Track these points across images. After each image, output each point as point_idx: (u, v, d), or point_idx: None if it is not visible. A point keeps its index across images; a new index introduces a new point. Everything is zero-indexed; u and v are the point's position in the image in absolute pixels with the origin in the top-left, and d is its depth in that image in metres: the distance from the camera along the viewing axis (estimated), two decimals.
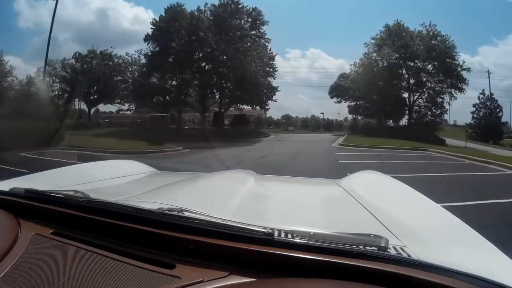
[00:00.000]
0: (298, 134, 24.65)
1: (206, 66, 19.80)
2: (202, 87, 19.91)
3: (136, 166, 1.66)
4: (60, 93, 21.16)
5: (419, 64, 20.60)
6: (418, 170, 7.30)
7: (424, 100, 21.54)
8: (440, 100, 21.08)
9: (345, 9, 40.42)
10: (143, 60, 20.43)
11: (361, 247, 0.51)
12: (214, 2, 19.54)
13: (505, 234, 2.77)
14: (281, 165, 7.82)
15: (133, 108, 23.16)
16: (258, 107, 22.40)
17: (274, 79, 21.99)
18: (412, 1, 35.79)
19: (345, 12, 43.12)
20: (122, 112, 24.00)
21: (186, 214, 0.61)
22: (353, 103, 25.07)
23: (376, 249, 0.51)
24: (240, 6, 19.87)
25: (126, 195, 0.91)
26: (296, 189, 1.45)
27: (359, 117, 26.83)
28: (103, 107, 24.74)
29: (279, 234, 0.55)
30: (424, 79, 21.06)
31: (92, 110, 24.92)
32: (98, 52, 21.76)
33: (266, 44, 21.76)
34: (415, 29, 20.67)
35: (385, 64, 20.70)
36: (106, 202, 0.68)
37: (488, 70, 22.21)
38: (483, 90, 21.96)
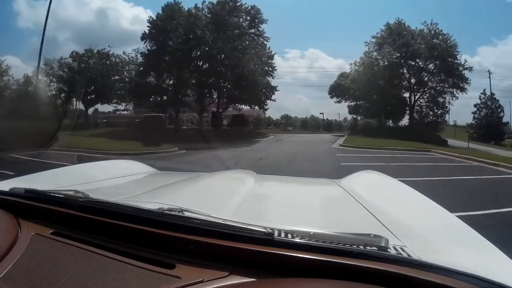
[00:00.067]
0: (297, 135, 24.63)
1: (204, 65, 19.78)
2: (199, 87, 19.87)
3: (136, 166, 1.67)
4: (56, 92, 21.16)
5: (420, 63, 20.61)
6: (425, 173, 7.18)
7: (426, 100, 21.57)
8: (442, 100, 21.14)
9: (345, 9, 40.77)
10: (140, 59, 20.45)
11: (361, 247, 0.51)
12: (212, 0, 19.60)
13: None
14: (280, 168, 7.71)
15: (130, 108, 23.13)
16: (256, 107, 22.40)
17: (273, 78, 22.04)
18: (412, 1, 36.16)
19: (345, 12, 43.47)
20: (119, 112, 23.97)
21: (186, 214, 0.62)
22: (353, 103, 25.09)
23: (376, 249, 0.51)
24: (238, 4, 19.86)
25: (126, 195, 0.91)
26: (296, 189, 1.46)
27: (359, 117, 26.89)
28: (101, 107, 24.84)
29: (279, 234, 0.56)
30: (426, 79, 21.06)
31: (91, 110, 25.03)
32: (95, 51, 21.77)
33: (265, 42, 21.81)
34: (416, 27, 20.75)
35: (386, 63, 20.70)
36: (106, 202, 0.69)
37: (489, 70, 22.39)
38: (484, 90, 22.14)
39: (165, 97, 20.70)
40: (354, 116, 27.15)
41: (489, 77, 22.40)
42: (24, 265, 0.56)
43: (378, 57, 21.23)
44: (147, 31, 19.50)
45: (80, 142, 11.40)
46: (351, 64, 23.68)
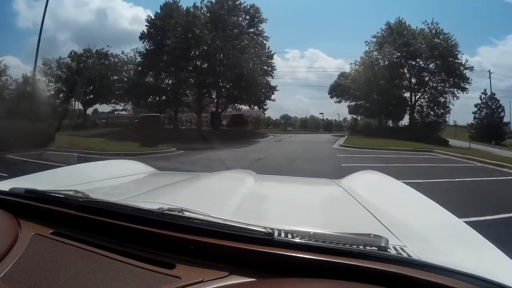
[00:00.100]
0: (297, 135, 24.62)
1: (202, 65, 19.78)
2: (198, 86, 19.88)
3: (136, 166, 1.68)
4: (55, 92, 21.18)
5: (421, 63, 20.65)
6: (429, 174, 7.02)
7: (426, 100, 21.61)
8: (443, 99, 21.17)
9: (345, 9, 40.96)
10: (139, 59, 20.47)
11: (361, 247, 0.52)
12: None
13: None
14: (279, 169, 7.56)
15: (128, 108, 23.11)
16: (256, 107, 22.41)
17: (272, 78, 22.06)
18: (412, 2, 36.38)
19: (345, 12, 43.68)
20: (117, 112, 23.98)
21: (186, 214, 0.62)
22: (353, 103, 25.17)
23: (376, 249, 0.51)
24: (237, 3, 19.87)
25: (126, 195, 0.92)
26: (296, 189, 1.47)
27: (359, 117, 26.95)
28: (100, 107, 24.90)
29: (279, 234, 0.56)
30: (426, 79, 21.10)
31: (91, 111, 25.07)
32: (94, 51, 21.83)
33: (264, 42, 21.84)
34: (417, 27, 20.80)
35: (386, 62, 20.75)
36: (106, 202, 0.70)
37: (489, 70, 22.45)
38: (484, 90, 22.21)
39: (163, 97, 20.70)
40: (354, 116, 27.26)
41: (490, 77, 22.50)
42: (24, 265, 0.56)
43: (379, 56, 21.29)
44: (145, 31, 19.53)
45: (77, 143, 11.33)
46: (351, 63, 23.83)
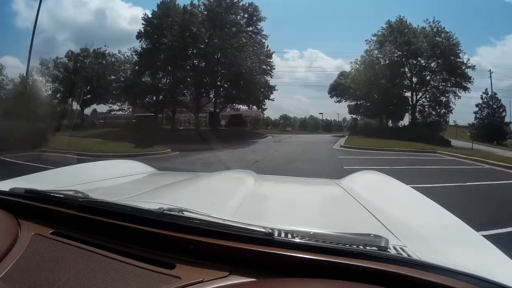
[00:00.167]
0: (296, 135, 24.64)
1: (200, 64, 19.75)
2: (195, 86, 19.86)
3: (136, 166, 1.70)
4: (52, 92, 21.11)
5: (422, 61, 20.66)
6: (437, 178, 6.68)
7: (428, 99, 21.61)
8: (445, 99, 21.16)
9: (345, 8, 41.21)
10: (135, 58, 20.43)
11: (361, 247, 0.52)
12: None
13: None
14: (278, 172, 7.26)
15: (125, 108, 23.05)
16: (255, 107, 22.41)
17: (271, 77, 22.05)
18: (411, 2, 36.58)
19: (344, 11, 43.92)
20: (113, 112, 23.96)
21: (186, 214, 0.63)
22: (353, 103, 25.18)
23: (376, 249, 0.52)
24: (235, 0, 19.86)
25: (126, 195, 0.93)
26: (296, 189, 1.49)
27: (359, 117, 26.98)
28: (97, 107, 24.90)
29: (279, 234, 0.57)
30: (428, 78, 21.09)
31: (89, 111, 25.10)
32: (91, 50, 21.81)
33: (263, 40, 21.86)
34: (418, 25, 20.81)
35: (387, 61, 20.75)
36: (106, 202, 0.70)
37: (490, 70, 22.50)
38: (485, 89, 22.24)
39: (160, 97, 20.67)
40: (354, 116, 27.29)
41: (490, 76, 22.56)
42: (24, 265, 0.57)
43: (379, 55, 21.28)
44: (142, 30, 19.50)
45: (71, 143, 11.24)
46: (351, 62, 23.78)
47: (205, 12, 19.33)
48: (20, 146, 8.80)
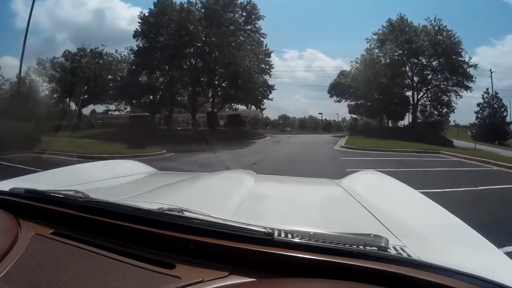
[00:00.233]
0: (295, 135, 24.62)
1: (197, 62, 19.70)
2: (192, 85, 19.82)
3: (136, 166, 1.73)
4: (49, 92, 21.10)
5: (423, 60, 20.63)
6: (446, 181, 6.39)
7: (429, 98, 21.60)
8: (447, 98, 21.10)
9: (344, 8, 41.40)
10: (132, 58, 20.37)
11: (361, 247, 0.53)
12: None
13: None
14: (277, 174, 7.07)
15: (121, 108, 22.98)
16: (253, 106, 22.41)
17: (270, 76, 21.99)
18: (411, 2, 36.75)
19: (344, 11, 44.11)
20: (110, 112, 23.89)
21: (186, 214, 0.64)
22: (353, 102, 25.19)
23: (376, 249, 0.53)
24: None
25: (126, 195, 0.94)
26: (296, 189, 1.50)
27: (359, 117, 27.02)
28: (95, 107, 24.83)
29: (279, 234, 0.58)
30: (429, 77, 21.08)
31: (88, 111, 25.08)
32: (88, 50, 21.79)
33: (262, 39, 21.85)
34: (419, 24, 20.77)
35: (388, 60, 20.73)
36: (106, 202, 0.71)
37: (491, 69, 22.56)
38: (487, 89, 22.25)
39: (157, 97, 20.61)
40: (354, 116, 27.33)
41: (491, 76, 22.61)
42: (24, 265, 0.58)
43: (380, 54, 21.25)
44: (139, 29, 19.46)
45: (66, 145, 11.10)
46: (351, 62, 23.68)
47: (202, 10, 19.30)
48: (13, 147, 8.76)
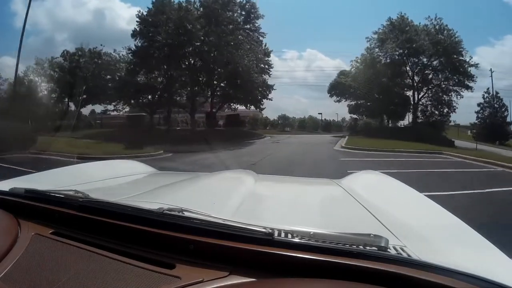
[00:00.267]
0: (295, 135, 24.63)
1: (195, 62, 19.70)
2: (191, 85, 19.81)
3: (136, 166, 1.75)
4: (46, 92, 21.12)
5: (424, 60, 20.60)
6: (453, 183, 6.27)
7: (430, 98, 21.58)
8: (448, 98, 21.07)
9: (344, 8, 41.49)
10: (129, 57, 20.35)
11: (361, 247, 0.54)
12: None
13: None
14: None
15: (119, 108, 22.96)
16: (252, 106, 22.42)
17: (269, 76, 21.99)
18: (411, 2, 36.84)
19: (344, 11, 44.16)
20: (108, 112, 23.89)
21: (186, 214, 0.65)
22: (353, 102, 25.20)
23: (376, 249, 0.54)
24: None
25: (126, 195, 0.95)
26: (296, 189, 1.51)
27: (359, 117, 27.03)
28: (94, 108, 24.83)
29: (279, 234, 0.58)
30: (430, 76, 21.08)
31: (88, 111, 25.07)
32: (87, 50, 21.79)
33: (261, 38, 21.85)
34: (419, 23, 20.75)
35: (388, 60, 20.76)
36: (106, 202, 0.72)
37: (491, 69, 22.59)
38: (487, 89, 22.20)
39: (156, 96, 20.59)
40: (354, 115, 27.34)
41: (491, 76, 22.62)
42: (24, 265, 0.58)
43: (380, 53, 21.26)
44: (137, 28, 19.44)
45: (59, 145, 10.98)
46: (351, 61, 23.65)
47: (201, 9, 19.29)
48: (7, 147, 8.75)
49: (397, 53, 20.54)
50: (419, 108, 21.74)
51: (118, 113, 23.33)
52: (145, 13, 19.35)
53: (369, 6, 40.03)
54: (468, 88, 20.45)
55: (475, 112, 22.45)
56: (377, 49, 21.52)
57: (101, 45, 22.24)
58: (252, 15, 21.02)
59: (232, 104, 22.72)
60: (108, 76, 21.29)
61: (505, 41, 38.21)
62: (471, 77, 20.14)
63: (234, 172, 1.83)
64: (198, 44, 18.73)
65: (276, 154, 11.99)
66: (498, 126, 20.86)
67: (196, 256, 0.57)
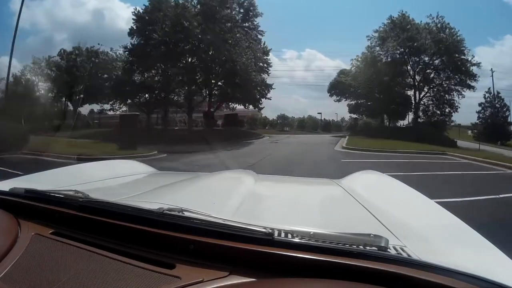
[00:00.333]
0: (294, 135, 24.58)
1: (192, 60, 19.67)
2: (188, 84, 19.78)
3: (136, 166, 1.77)
4: (43, 92, 21.05)
5: (426, 59, 20.59)
6: (464, 187, 5.99)
7: (432, 98, 21.60)
8: (450, 97, 21.06)
9: (344, 8, 41.73)
10: (125, 56, 20.33)
11: (361, 247, 0.55)
12: None
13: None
14: None
15: (116, 107, 22.90)
16: (251, 106, 22.40)
17: (268, 75, 22.00)
18: (410, 2, 36.98)
19: (343, 11, 44.42)
20: (105, 111, 23.86)
21: (186, 214, 0.65)
22: (353, 102, 25.23)
23: (376, 249, 0.54)
24: None
25: (126, 195, 0.96)
26: (296, 189, 1.53)
27: (360, 117, 27.06)
28: (92, 107, 24.80)
29: (279, 234, 0.59)
30: (432, 75, 21.08)
31: (87, 111, 24.99)
32: (84, 49, 21.81)
33: (260, 37, 21.88)
34: (421, 21, 20.73)
35: (389, 59, 20.75)
36: (106, 202, 0.73)
37: (492, 68, 22.63)
38: (488, 88, 22.23)
39: (153, 95, 20.55)
40: (355, 115, 27.38)
41: (492, 75, 22.65)
42: (24, 265, 0.59)
43: (381, 52, 21.25)
44: (134, 26, 19.40)
45: (51, 145, 10.85)
46: (352, 59, 23.58)
47: (198, 7, 19.27)
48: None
49: (398, 51, 20.56)
50: (421, 107, 21.77)
51: (114, 113, 23.32)
52: (141, 11, 19.33)
53: (369, 6, 40.28)
54: (470, 87, 20.48)
55: (476, 112, 22.49)
56: (378, 48, 21.53)
57: (99, 44, 22.30)
58: (251, 13, 21.05)
59: (230, 103, 22.70)
60: (105, 75, 21.26)
61: (505, 41, 38.62)
62: (473, 76, 20.16)
63: (234, 172, 1.86)
64: (195, 42, 18.68)
65: (275, 154, 11.84)
66: (499, 126, 20.90)
67: (196, 256, 0.58)
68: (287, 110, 51.34)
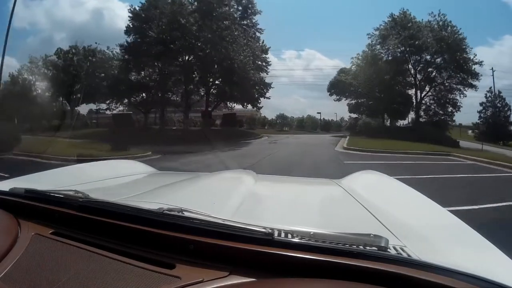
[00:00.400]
0: (293, 135, 24.55)
1: (189, 58, 19.64)
2: (185, 83, 19.74)
3: (136, 166, 1.79)
4: (39, 91, 21.01)
5: (427, 57, 20.54)
6: (477, 193, 5.61)
7: (433, 97, 21.59)
8: (452, 97, 21.03)
9: (344, 8, 41.89)
10: (121, 55, 20.29)
11: (361, 247, 0.55)
12: None
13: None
14: None
15: (112, 107, 22.81)
16: (249, 105, 22.39)
17: (267, 74, 22.00)
18: (410, 3, 37.25)
19: (343, 11, 44.59)
20: (101, 111, 23.78)
21: (186, 214, 0.66)
22: (353, 101, 25.21)
23: (376, 249, 0.55)
24: None
25: (126, 195, 0.97)
26: (296, 189, 1.54)
27: (360, 116, 27.08)
28: (90, 106, 24.74)
29: (279, 234, 0.60)
30: (433, 74, 21.05)
31: (83, 110, 24.88)
32: (81, 48, 21.73)
33: (258, 35, 21.89)
34: (422, 19, 20.70)
35: (390, 57, 20.74)
36: (106, 202, 0.74)
37: (492, 68, 22.59)
38: (490, 88, 22.24)
39: (150, 95, 20.50)
40: (355, 115, 27.39)
41: (493, 75, 22.62)
42: (24, 265, 0.60)
43: (382, 50, 21.24)
44: (130, 24, 19.35)
45: (45, 146, 10.67)
46: (352, 58, 23.53)
47: (195, 4, 19.24)
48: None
49: (399, 50, 20.52)
50: (422, 107, 21.76)
51: (111, 112, 23.28)
52: (137, 8, 19.29)
53: (369, 5, 40.43)
54: (472, 86, 20.46)
55: (478, 112, 22.46)
56: (378, 46, 21.51)
57: (96, 43, 22.24)
58: (249, 11, 21.05)
59: (228, 102, 22.67)
60: (102, 74, 21.22)
61: (504, 41, 38.84)
62: (475, 75, 20.11)
63: (234, 172, 1.86)
64: (192, 39, 18.63)
65: (274, 155, 11.62)
66: (501, 126, 20.91)
67: (196, 256, 0.58)
68: (286, 110, 51.42)
